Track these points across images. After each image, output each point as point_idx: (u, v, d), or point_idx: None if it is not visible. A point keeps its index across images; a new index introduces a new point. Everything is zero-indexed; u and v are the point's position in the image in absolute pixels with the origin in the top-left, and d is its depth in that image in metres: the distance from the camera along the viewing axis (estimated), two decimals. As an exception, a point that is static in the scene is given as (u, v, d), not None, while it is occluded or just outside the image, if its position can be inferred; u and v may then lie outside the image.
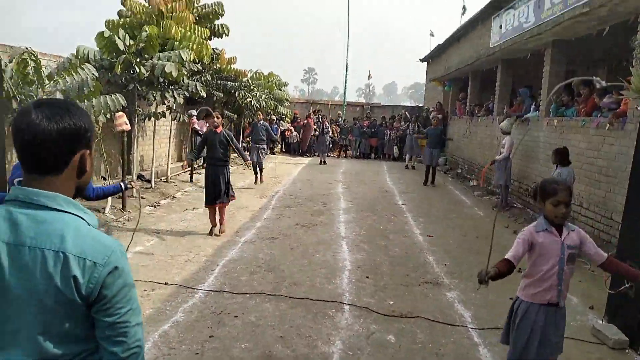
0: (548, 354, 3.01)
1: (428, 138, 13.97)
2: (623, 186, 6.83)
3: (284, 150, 21.95)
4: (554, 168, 7.22)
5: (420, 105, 25.73)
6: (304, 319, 4.59)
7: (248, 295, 5.09)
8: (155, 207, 9.24)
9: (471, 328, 4.57)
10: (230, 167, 7.69)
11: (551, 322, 2.96)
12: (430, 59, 23.05)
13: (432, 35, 23.13)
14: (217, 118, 7.53)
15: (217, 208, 7.46)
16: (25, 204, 1.32)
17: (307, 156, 20.73)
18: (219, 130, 7.42)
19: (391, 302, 5.10)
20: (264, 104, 15.48)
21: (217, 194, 7.35)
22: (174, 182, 11.65)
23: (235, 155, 7.74)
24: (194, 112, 12.06)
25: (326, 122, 19.46)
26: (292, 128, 21.13)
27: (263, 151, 12.36)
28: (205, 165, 7.65)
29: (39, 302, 1.28)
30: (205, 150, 7.55)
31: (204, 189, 7.55)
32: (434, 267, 6.36)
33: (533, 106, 10.90)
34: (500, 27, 12.00)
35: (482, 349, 4.18)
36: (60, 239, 1.29)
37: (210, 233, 7.39)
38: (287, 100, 19.90)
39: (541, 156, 9.75)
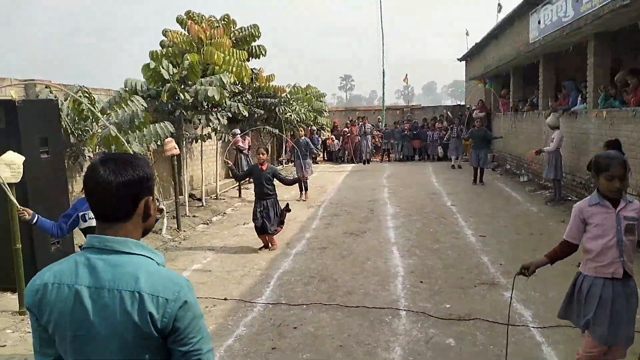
0: (620, 338, 2.93)
1: (473, 140, 13.70)
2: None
3: (326, 158, 22.14)
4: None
5: (462, 103, 25.35)
6: (361, 327, 4.65)
7: (304, 306, 5.20)
8: (207, 224, 9.55)
9: (532, 327, 4.50)
10: (277, 197, 7.70)
11: (620, 296, 2.89)
12: (469, 57, 22.70)
13: (467, 34, 22.82)
14: (262, 155, 7.60)
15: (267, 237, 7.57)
16: (100, 250, 1.47)
17: (354, 162, 20.70)
18: (264, 167, 7.50)
19: (448, 306, 5.08)
20: (304, 116, 15.72)
21: (269, 227, 7.37)
22: (223, 199, 11.99)
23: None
24: (238, 131, 12.40)
25: (367, 123, 19.67)
26: (333, 137, 21.33)
27: (308, 167, 12.50)
28: (254, 199, 7.67)
29: (120, 337, 1.42)
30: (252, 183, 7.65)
31: (253, 221, 7.57)
32: (489, 267, 6.28)
33: (579, 99, 10.59)
34: (539, 22, 11.73)
35: (545, 348, 4.11)
36: (135, 280, 1.42)
37: (261, 249, 7.55)
38: (325, 110, 20.10)
39: (592, 148, 9.44)
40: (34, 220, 3.93)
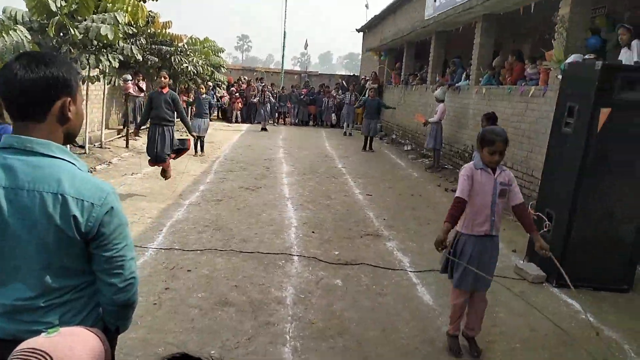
0: (482, 285, 3.44)
1: (366, 109, 14.27)
2: (543, 146, 7.53)
3: (220, 117, 21.65)
4: (483, 131, 7.80)
5: (357, 74, 26.14)
6: (256, 270, 4.83)
7: (199, 252, 5.24)
8: (91, 172, 9.01)
9: (410, 271, 5.01)
10: (174, 128, 7.61)
11: (486, 251, 3.39)
12: (367, 29, 23.40)
13: (367, 7, 23.45)
14: (164, 78, 7.44)
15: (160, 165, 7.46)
16: (19, 150, 1.40)
17: (249, 123, 20.49)
18: (165, 90, 7.33)
19: (336, 252, 5.45)
20: (201, 69, 15.20)
21: (160, 152, 7.24)
22: (108, 148, 11.34)
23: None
24: (129, 77, 11.71)
25: (267, 91, 19.43)
26: (227, 95, 20.84)
27: (206, 126, 12.20)
28: (149, 125, 7.47)
29: (40, 240, 1.39)
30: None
31: (147, 148, 7.44)
32: (374, 221, 6.78)
33: (464, 75, 11.53)
34: (435, 0, 12.47)
35: (420, 288, 4.63)
36: (57, 183, 1.39)
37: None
38: (223, 67, 19.58)
39: (470, 122, 10.40)
40: None
